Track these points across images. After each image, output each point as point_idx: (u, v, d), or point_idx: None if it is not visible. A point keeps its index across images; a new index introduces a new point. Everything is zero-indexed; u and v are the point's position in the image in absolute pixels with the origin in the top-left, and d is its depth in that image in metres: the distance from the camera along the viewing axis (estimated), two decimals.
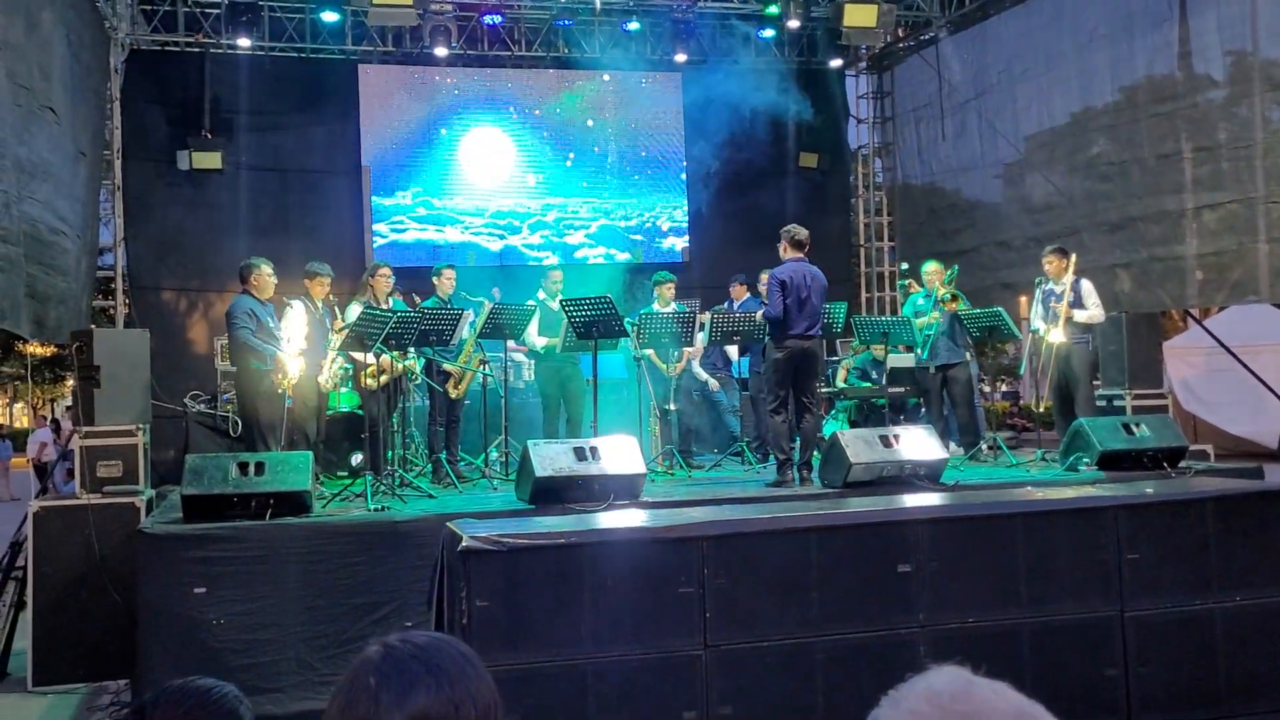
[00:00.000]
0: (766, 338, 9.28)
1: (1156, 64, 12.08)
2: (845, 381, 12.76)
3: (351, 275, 12.77)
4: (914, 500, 7.18)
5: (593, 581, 5.61)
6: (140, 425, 8.55)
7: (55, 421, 29.89)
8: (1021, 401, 33.89)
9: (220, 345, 12.82)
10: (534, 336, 10.48)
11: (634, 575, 5.69)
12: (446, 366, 9.87)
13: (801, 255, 9.07)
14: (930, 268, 11.14)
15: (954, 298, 10.63)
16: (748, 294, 11.88)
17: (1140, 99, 12.30)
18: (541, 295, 10.73)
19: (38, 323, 9.90)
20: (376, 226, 15.20)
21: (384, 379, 9.29)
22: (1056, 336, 10.11)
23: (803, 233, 9.17)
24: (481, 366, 10.13)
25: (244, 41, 13.90)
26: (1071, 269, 10.25)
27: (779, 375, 8.90)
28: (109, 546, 7.80)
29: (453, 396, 9.92)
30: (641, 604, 5.67)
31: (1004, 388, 28.39)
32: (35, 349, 37.42)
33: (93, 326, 11.04)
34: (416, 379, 10.10)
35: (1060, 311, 10.09)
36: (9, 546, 8.98)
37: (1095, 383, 10.44)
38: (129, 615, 7.31)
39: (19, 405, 48.02)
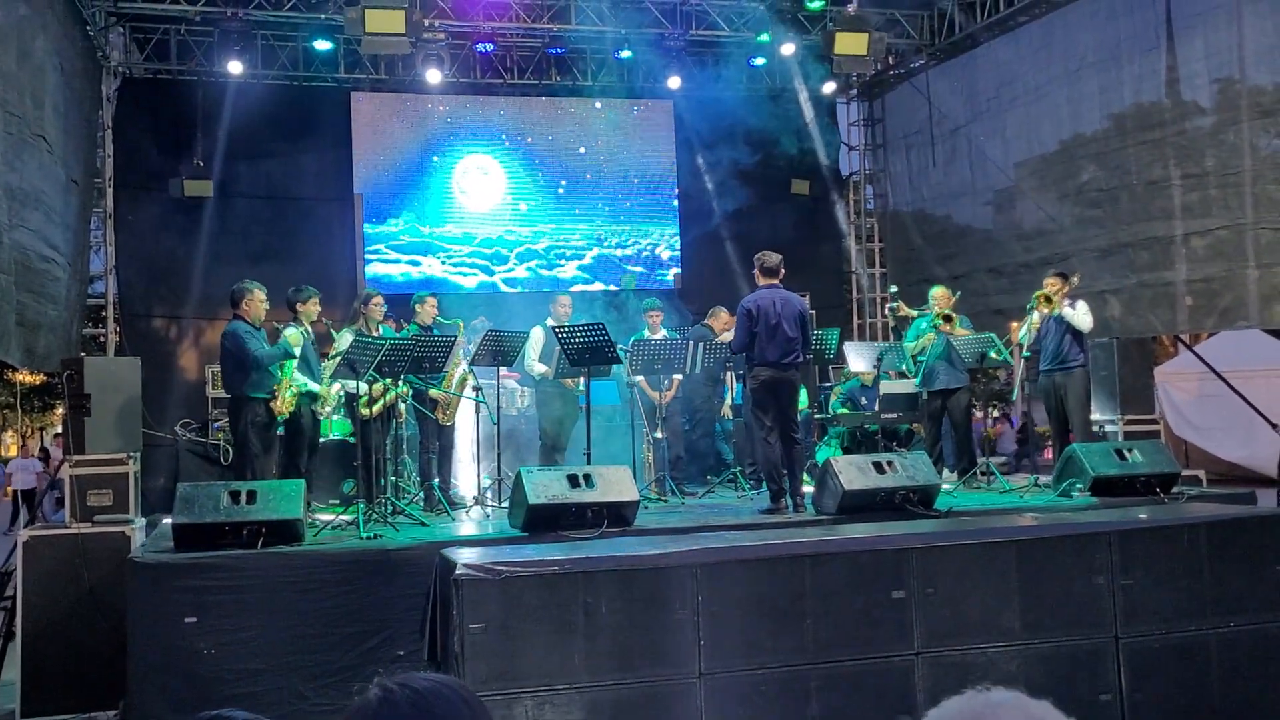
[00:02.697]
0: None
1: (1145, 91, 12.15)
2: (831, 409, 12.78)
3: (344, 303, 12.77)
4: (908, 527, 7.17)
5: (586, 609, 5.59)
6: (131, 453, 8.51)
7: (45, 450, 29.77)
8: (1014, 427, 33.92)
9: (212, 373, 12.79)
10: (535, 364, 10.45)
11: (628, 603, 5.67)
12: (431, 393, 9.82)
13: (774, 282, 8.90)
14: (937, 292, 11.11)
15: (947, 319, 10.63)
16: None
17: (1129, 126, 12.37)
18: (550, 322, 10.55)
19: (28, 351, 9.87)
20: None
21: (377, 408, 9.28)
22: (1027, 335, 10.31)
23: (773, 259, 8.99)
24: (475, 394, 10.10)
25: (236, 69, 13.92)
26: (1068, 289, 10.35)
27: (760, 403, 8.82)
28: (99, 576, 7.75)
29: (441, 423, 9.88)
30: (636, 632, 5.65)
31: (995, 413, 28.40)
32: (24, 377, 37.29)
33: (83, 355, 11.01)
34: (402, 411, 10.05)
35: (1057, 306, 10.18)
36: None
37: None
38: (119, 645, 7.25)
39: (8, 434, 47.82)
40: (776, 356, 8.63)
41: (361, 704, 1.54)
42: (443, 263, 15.45)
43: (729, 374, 11.44)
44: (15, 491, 22.81)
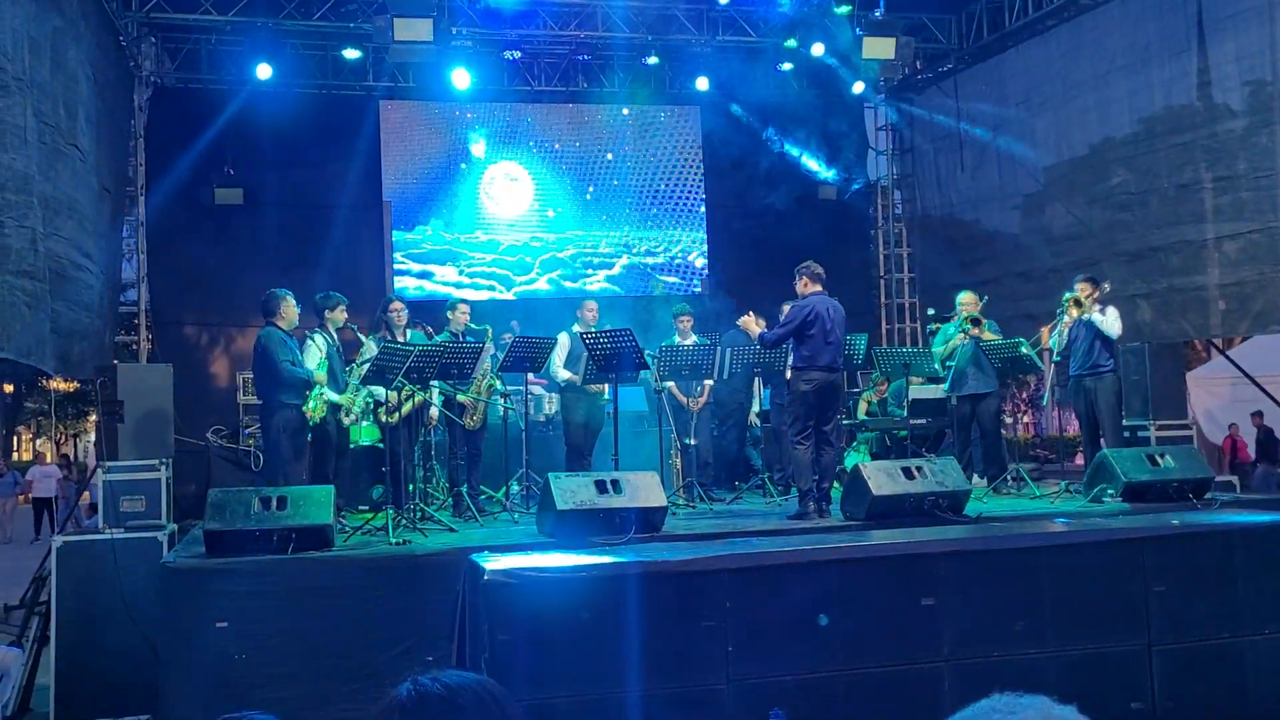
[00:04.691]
0: (789, 369, 9.26)
1: (1175, 94, 12.06)
2: (867, 414, 12.71)
3: (372, 309, 12.82)
4: (937, 533, 7.13)
5: (614, 615, 5.59)
6: (163, 460, 8.57)
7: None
8: (1044, 432, 33.73)
9: (243, 379, 12.88)
10: (559, 369, 10.44)
11: (656, 609, 5.67)
12: (459, 398, 9.84)
13: (822, 289, 9.06)
14: (964, 297, 11.05)
15: (975, 322, 10.57)
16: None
17: (1159, 129, 12.28)
18: (577, 328, 10.49)
19: (62, 358, 9.95)
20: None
21: (402, 412, 9.30)
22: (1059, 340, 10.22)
23: (819, 266, 9.15)
24: (502, 400, 10.12)
25: (266, 78, 14.01)
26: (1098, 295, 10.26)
27: (804, 407, 8.84)
28: (132, 581, 7.79)
29: (468, 427, 9.89)
30: (663, 638, 5.65)
31: (1026, 419, 28.26)
32: (58, 384, 37.61)
33: (116, 362, 11.09)
34: (435, 418, 10.06)
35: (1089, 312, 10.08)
36: (32, 581, 9.00)
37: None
38: (151, 650, 7.30)
39: (41, 440, 48.24)
40: (829, 361, 8.75)
41: (392, 699, 1.56)
42: (460, 273, 15.45)
43: (757, 380, 11.43)
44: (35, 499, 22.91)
